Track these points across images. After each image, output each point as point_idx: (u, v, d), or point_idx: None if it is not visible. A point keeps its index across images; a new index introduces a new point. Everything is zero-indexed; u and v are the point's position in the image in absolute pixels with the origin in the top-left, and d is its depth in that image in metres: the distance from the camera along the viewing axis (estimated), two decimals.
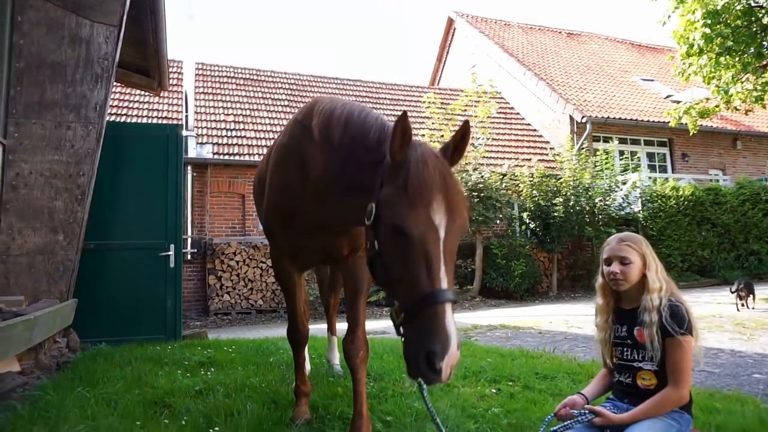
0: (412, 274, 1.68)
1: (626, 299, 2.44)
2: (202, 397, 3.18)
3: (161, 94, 11.08)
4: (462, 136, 1.92)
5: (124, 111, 12.81)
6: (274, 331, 7.34)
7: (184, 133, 10.94)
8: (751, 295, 8.10)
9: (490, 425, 2.69)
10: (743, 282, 8.22)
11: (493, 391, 3.50)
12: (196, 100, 13.83)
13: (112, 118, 11.68)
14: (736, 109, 10.69)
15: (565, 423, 2.30)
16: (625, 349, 2.42)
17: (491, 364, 4.19)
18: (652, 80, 19.77)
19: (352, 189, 2.15)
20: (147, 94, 12.29)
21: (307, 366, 3.30)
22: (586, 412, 2.25)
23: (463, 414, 2.88)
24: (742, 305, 8.02)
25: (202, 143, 12.36)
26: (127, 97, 13.35)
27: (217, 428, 2.59)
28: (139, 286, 5.70)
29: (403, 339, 1.71)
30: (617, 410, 2.31)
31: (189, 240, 11.27)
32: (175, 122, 12.31)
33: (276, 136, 3.34)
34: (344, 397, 3.14)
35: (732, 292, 8.16)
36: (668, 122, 11.96)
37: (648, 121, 16.00)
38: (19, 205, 4.83)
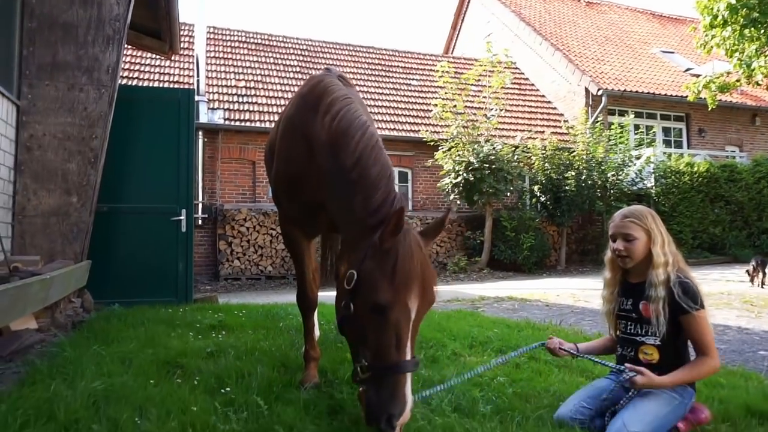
0: (382, 345, 1.94)
1: (633, 273, 2.44)
2: (214, 358, 3.25)
3: (172, 58, 10.97)
4: (441, 222, 2.22)
5: (136, 74, 12.75)
6: (284, 297, 7.45)
7: (196, 98, 10.89)
8: (763, 273, 8.18)
9: (495, 393, 2.74)
10: (760, 259, 8.38)
11: (500, 360, 3.54)
12: (207, 64, 13.71)
13: (124, 81, 11.63)
14: (758, 84, 10.45)
15: (613, 370, 2.36)
16: (628, 322, 2.44)
17: (498, 335, 4.23)
18: (673, 52, 19.27)
19: (338, 202, 2.35)
20: (158, 57, 12.19)
21: (317, 332, 3.35)
22: (627, 368, 2.24)
23: (468, 382, 2.91)
24: (760, 284, 8.14)
25: (213, 108, 12.31)
26: (138, 60, 13.26)
27: (228, 389, 2.65)
28: (151, 250, 5.78)
29: (364, 391, 1.98)
30: (621, 383, 2.34)
31: (200, 205, 11.35)
32: (186, 87, 12.24)
33: (287, 103, 3.36)
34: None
35: (751, 271, 8.27)
36: (686, 96, 11.73)
37: (665, 95, 15.67)
38: (34, 166, 4.88)
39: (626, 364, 2.31)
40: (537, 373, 3.23)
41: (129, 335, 3.76)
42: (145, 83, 12.39)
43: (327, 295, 4.64)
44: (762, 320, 5.50)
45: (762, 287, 8.08)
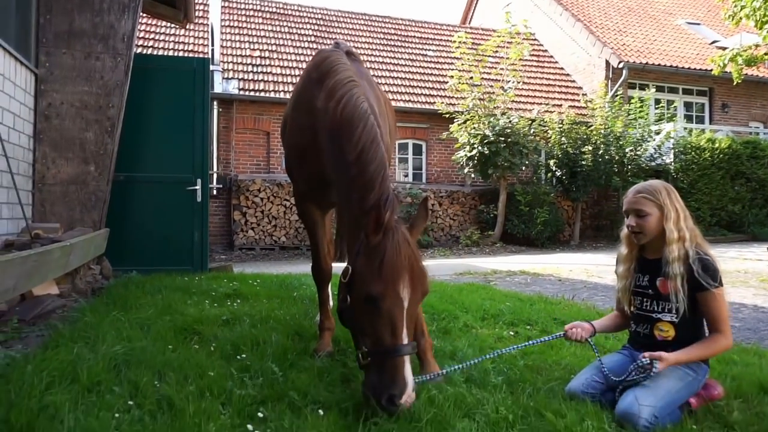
0: (378, 332, 2.05)
1: (650, 249, 2.42)
2: (230, 326, 3.32)
3: (187, 27, 10.91)
4: (424, 212, 2.28)
5: (151, 43, 12.69)
6: (297, 268, 7.53)
7: (211, 67, 10.84)
8: None
9: (506, 365, 2.76)
10: None
11: (511, 333, 3.57)
12: (221, 33, 13.60)
13: (139, 50, 11.59)
14: None
15: (630, 373, 2.24)
16: (645, 299, 2.42)
17: (510, 308, 4.25)
18: (699, 24, 18.66)
19: (340, 194, 2.43)
20: (173, 26, 12.13)
21: (331, 302, 3.40)
22: (650, 360, 2.17)
23: (481, 354, 2.95)
24: None
25: (227, 78, 12.26)
26: (153, 29, 13.19)
27: (244, 355, 2.71)
28: (167, 219, 5.85)
29: (365, 374, 2.11)
30: (635, 360, 2.34)
31: (214, 175, 11.41)
32: (201, 56, 12.17)
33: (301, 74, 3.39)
34: None
35: None
36: (711, 70, 11.39)
37: (689, 68, 15.25)
38: (52, 135, 4.93)
39: (645, 354, 2.24)
40: (549, 346, 3.24)
41: (147, 302, 3.84)
42: (160, 52, 12.34)
43: (341, 266, 4.67)
44: None
45: None
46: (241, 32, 14.27)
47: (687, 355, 2.24)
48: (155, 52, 12.15)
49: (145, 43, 12.52)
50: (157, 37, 13.01)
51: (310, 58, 13.85)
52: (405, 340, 2.04)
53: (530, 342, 2.69)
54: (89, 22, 5.00)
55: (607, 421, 2.10)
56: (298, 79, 3.51)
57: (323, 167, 2.67)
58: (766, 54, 10.17)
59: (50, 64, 4.91)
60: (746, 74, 11.61)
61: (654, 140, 12.82)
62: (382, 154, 2.31)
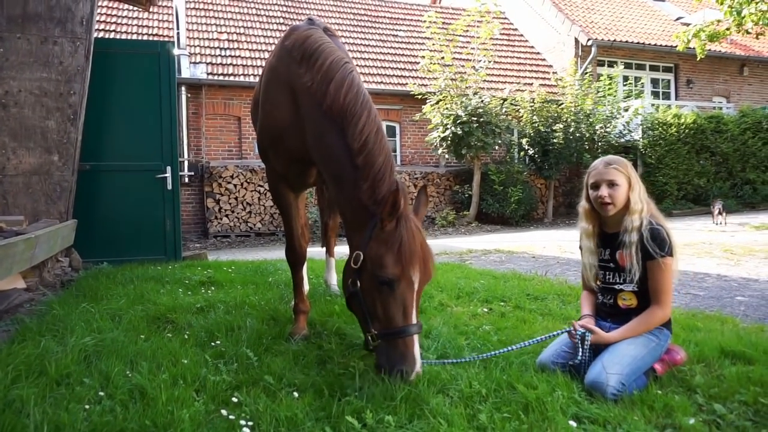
0: (391, 313, 2.15)
1: (610, 223, 2.48)
2: (204, 313, 3.29)
3: (150, 10, 10.57)
4: (424, 198, 2.40)
5: (113, 27, 12.30)
6: (273, 254, 7.49)
7: (177, 51, 10.56)
8: (723, 214, 10.16)
9: (480, 341, 2.81)
10: (722, 204, 10.35)
11: (485, 310, 3.62)
12: (187, 16, 13.24)
13: (100, 35, 11.22)
14: (747, 33, 10.32)
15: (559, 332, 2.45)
16: (607, 272, 2.48)
17: (484, 286, 4.31)
18: (663, 1, 18.91)
19: (338, 179, 2.40)
20: (136, 9, 11.73)
21: (306, 285, 3.39)
22: (585, 331, 2.35)
23: (455, 331, 3.00)
24: (718, 223, 10.07)
25: (195, 63, 11.97)
26: (115, 12, 12.76)
27: (218, 342, 2.70)
28: (137, 208, 5.74)
29: (376, 354, 2.21)
30: (602, 330, 2.42)
31: (186, 163, 11.21)
32: (166, 40, 11.84)
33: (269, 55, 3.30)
34: (341, 315, 3.26)
35: (716, 214, 10.19)
36: (676, 46, 11.58)
37: (655, 44, 15.48)
38: (11, 124, 4.76)
39: (574, 322, 2.43)
40: (521, 321, 3.31)
41: (118, 292, 3.78)
42: (124, 37, 11.97)
43: (315, 251, 4.67)
44: (741, 267, 5.65)
45: (724, 225, 9.87)
46: (207, 15, 13.92)
47: (623, 334, 2.33)
48: (118, 37, 11.78)
49: (107, 27, 12.13)
50: (119, 21, 12.60)
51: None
52: (414, 320, 2.16)
53: (535, 340, 2.60)
54: (44, 5, 4.81)
55: (577, 390, 2.16)
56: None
57: (303, 147, 2.64)
58: (727, 29, 10.37)
59: (5, 50, 4.71)
60: (709, 50, 11.84)
61: (623, 117, 13.03)
62: (388, 146, 2.38)
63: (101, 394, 2.00)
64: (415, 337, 2.14)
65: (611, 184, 2.40)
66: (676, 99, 16.19)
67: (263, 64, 13.81)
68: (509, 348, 2.55)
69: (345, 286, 2.32)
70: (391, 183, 2.25)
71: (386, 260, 2.12)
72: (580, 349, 2.34)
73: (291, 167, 2.92)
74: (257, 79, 12.72)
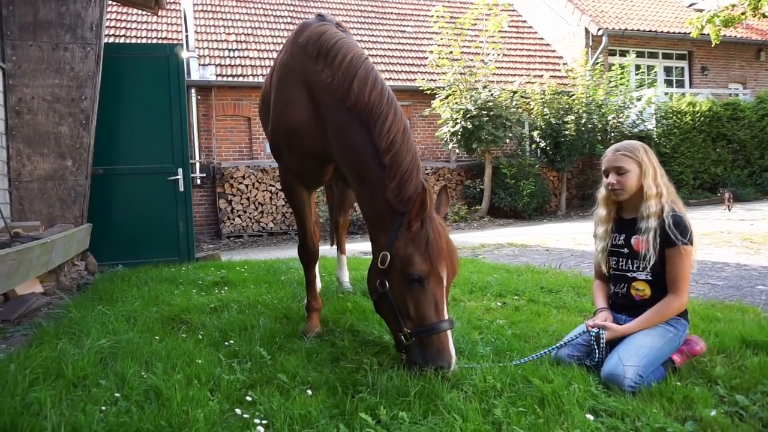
0: (423, 310, 2.18)
1: (627, 209, 2.46)
2: (217, 313, 3.31)
3: (159, 13, 10.65)
4: (445, 197, 2.44)
5: (122, 32, 12.40)
6: (285, 252, 7.51)
7: (186, 54, 10.63)
8: (731, 198, 10.92)
9: (494, 335, 2.79)
10: (731, 191, 11.36)
11: (499, 304, 3.60)
12: (195, 18, 13.30)
13: (110, 39, 11.33)
14: (764, 16, 10.11)
15: (575, 337, 2.40)
16: (620, 258, 2.45)
17: (497, 280, 4.28)
18: None
19: (362, 178, 2.39)
20: (144, 13, 11.83)
21: (318, 283, 3.39)
22: (598, 330, 2.30)
23: (468, 325, 2.97)
24: (727, 208, 10.74)
25: (204, 65, 12.04)
26: (124, 17, 12.87)
27: (232, 341, 2.71)
28: (150, 210, 5.79)
29: (410, 353, 2.22)
30: (616, 322, 2.38)
31: (197, 164, 11.28)
32: (175, 43, 11.93)
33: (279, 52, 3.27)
34: (353, 312, 3.25)
35: (726, 200, 10.87)
36: (689, 33, 11.38)
37: (668, 32, 15.24)
38: (25, 130, 4.83)
39: (587, 323, 2.39)
40: (536, 314, 3.28)
41: (133, 294, 3.81)
42: (133, 41, 12.07)
43: (325, 249, 4.66)
44: (761, 256, 5.54)
45: (730, 211, 10.54)
46: (215, 16, 13.98)
47: (638, 325, 2.29)
48: (127, 41, 11.88)
49: (117, 32, 12.23)
50: (128, 26, 12.70)
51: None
52: (446, 315, 2.20)
53: (563, 341, 2.44)
54: (54, 12, 4.86)
55: (593, 383, 2.13)
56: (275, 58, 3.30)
57: (321, 145, 2.61)
58: (743, 14, 10.16)
59: (17, 58, 4.78)
60: (724, 35, 11.62)
61: (635, 106, 12.85)
62: (414, 145, 2.39)
63: (117, 395, 2.01)
64: (449, 333, 2.18)
65: (620, 171, 2.38)
66: (690, 87, 15.93)
67: (272, 64, 13.77)
68: (539, 354, 2.41)
69: (372, 288, 2.33)
70: (417, 183, 2.26)
71: (415, 258, 2.16)
72: (596, 349, 2.29)
73: (306, 165, 2.88)
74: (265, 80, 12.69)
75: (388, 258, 2.22)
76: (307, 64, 2.64)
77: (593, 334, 2.31)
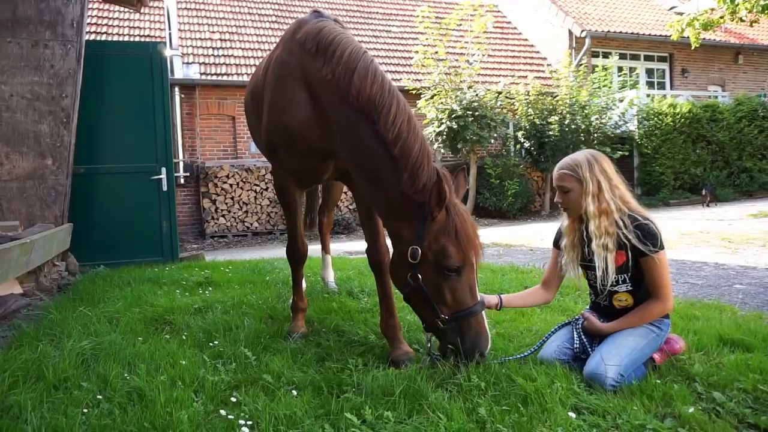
0: (461, 296, 2.26)
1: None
2: (201, 314, 3.29)
3: (142, 11, 10.52)
4: (462, 179, 2.49)
5: (104, 29, 12.23)
6: (270, 252, 7.48)
7: (170, 52, 10.51)
8: (711, 196, 12.19)
9: None
10: (711, 188, 12.50)
11: None
12: (179, 16, 13.18)
13: (91, 37, 11.17)
14: (742, 20, 10.29)
15: (559, 326, 2.49)
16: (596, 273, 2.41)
17: (482, 279, 4.30)
18: None
19: (372, 172, 2.36)
20: (126, 10, 11.69)
21: (304, 283, 3.38)
22: (578, 317, 2.39)
23: None
24: (707, 204, 12.03)
25: (188, 63, 11.93)
26: (105, 14, 12.70)
27: (216, 342, 2.69)
28: (133, 210, 5.72)
29: (443, 339, 2.33)
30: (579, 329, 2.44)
31: (181, 164, 11.18)
32: (158, 41, 11.79)
33: (265, 55, 3.21)
34: (339, 312, 3.26)
35: (704, 196, 12.18)
36: (670, 35, 11.56)
37: (649, 34, 15.46)
38: (4, 129, 4.73)
39: (583, 312, 2.47)
40: (520, 313, 3.31)
41: (115, 295, 3.76)
42: (115, 38, 11.91)
43: (312, 249, 4.65)
44: (738, 256, 5.66)
45: (709, 206, 11.75)
46: (199, 14, 13.86)
47: (618, 326, 2.32)
48: (109, 39, 11.71)
49: (98, 30, 12.06)
50: (110, 23, 12.53)
51: (273, 39, 13.43)
52: (479, 298, 2.31)
53: (544, 339, 2.50)
54: (34, 8, 4.77)
55: (576, 382, 2.16)
56: (264, 59, 3.21)
57: (324, 143, 2.55)
58: (721, 18, 10.34)
59: None
60: (704, 38, 11.82)
61: (618, 108, 13.02)
62: (421, 132, 2.38)
63: (99, 397, 1.99)
64: (484, 313, 2.32)
65: (563, 190, 2.37)
66: (671, 89, 16.19)
67: (257, 63, 13.69)
68: (527, 352, 2.47)
69: (403, 283, 2.33)
70: (430, 171, 2.27)
71: (449, 250, 2.20)
72: (575, 335, 2.36)
73: (306, 163, 2.77)
74: (251, 77, 12.54)
75: (419, 252, 2.22)
76: (307, 61, 2.57)
77: (578, 323, 2.39)
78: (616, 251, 2.29)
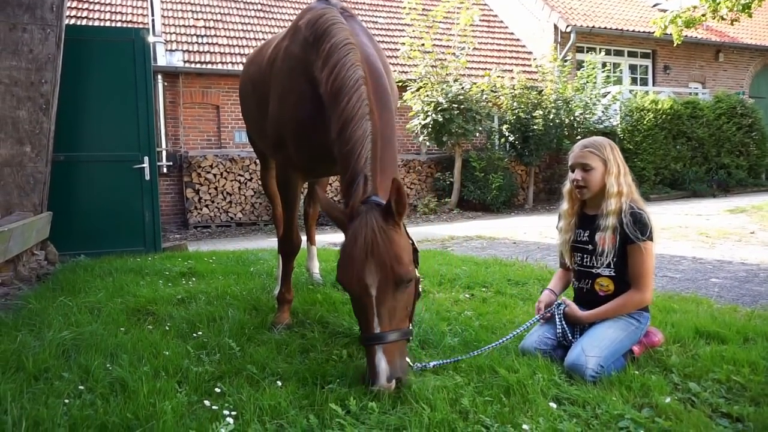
0: (358, 320, 2.10)
1: (591, 205, 2.49)
2: (185, 304, 3.27)
3: None
4: (400, 197, 2.01)
5: (85, 14, 11.96)
6: (254, 243, 7.44)
7: (152, 38, 10.34)
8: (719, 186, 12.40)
9: (462, 326, 2.84)
10: (716, 180, 12.71)
11: (467, 296, 3.66)
12: (162, 2, 12.94)
13: (72, 21, 10.92)
14: (722, 19, 10.46)
15: (541, 314, 2.51)
16: (585, 255, 2.49)
17: (466, 272, 4.35)
18: None
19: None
20: None
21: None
22: (560, 303, 2.43)
23: (437, 317, 3.02)
24: (714, 195, 12.11)
25: (171, 50, 11.73)
26: None
27: (200, 332, 2.68)
28: (115, 199, 5.64)
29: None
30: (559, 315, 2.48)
31: (164, 153, 11.03)
32: (140, 27, 11.57)
33: (252, 44, 3.15)
34: (323, 303, 3.26)
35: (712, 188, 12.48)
36: (653, 32, 11.69)
37: (633, 30, 15.61)
38: None
39: (563, 298, 2.51)
40: (503, 306, 3.35)
41: (97, 285, 3.72)
42: (96, 23, 11.65)
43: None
44: (715, 250, 5.78)
45: (716, 197, 11.70)
46: (183, 1, 13.61)
47: (597, 315, 2.37)
48: (91, 24, 11.46)
49: (79, 14, 11.79)
50: (91, 8, 12.26)
51: (258, 27, 13.27)
52: (376, 329, 1.97)
53: (518, 329, 2.55)
54: None
55: (557, 373, 2.20)
56: (249, 49, 3.16)
57: (328, 137, 2.48)
58: (703, 15, 10.48)
59: None
60: (685, 36, 11.97)
61: (601, 103, 13.14)
62: (361, 133, 2.21)
63: (81, 388, 1.97)
64: (378, 348, 1.98)
65: (585, 168, 2.41)
66: (653, 85, 16.38)
67: (242, 52, 13.48)
68: (497, 343, 2.46)
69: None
70: (355, 174, 2.16)
71: (339, 263, 2.09)
72: (557, 320, 2.40)
73: (314, 158, 2.73)
74: (236, 67, 12.35)
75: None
76: (308, 52, 2.54)
77: (560, 309, 2.44)
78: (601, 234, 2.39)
